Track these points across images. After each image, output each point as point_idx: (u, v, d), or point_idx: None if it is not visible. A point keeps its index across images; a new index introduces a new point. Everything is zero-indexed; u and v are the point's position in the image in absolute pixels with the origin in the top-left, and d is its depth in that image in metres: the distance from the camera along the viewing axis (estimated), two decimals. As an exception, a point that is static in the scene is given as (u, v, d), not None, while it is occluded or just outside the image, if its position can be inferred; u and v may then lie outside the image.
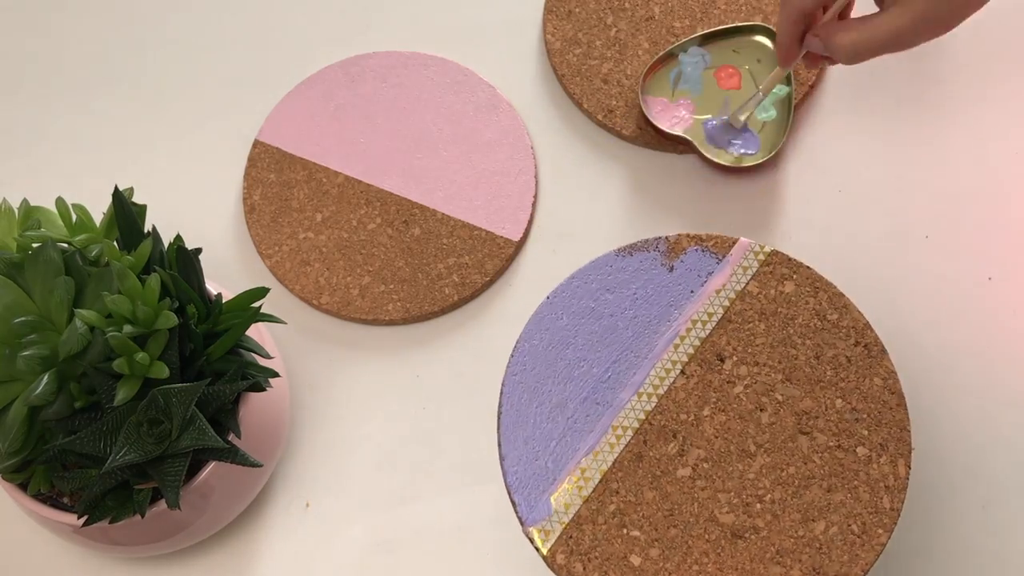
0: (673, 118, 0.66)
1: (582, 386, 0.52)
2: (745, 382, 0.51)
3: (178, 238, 0.53)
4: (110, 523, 0.51)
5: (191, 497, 0.53)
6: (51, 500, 0.53)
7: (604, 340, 0.53)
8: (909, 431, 0.50)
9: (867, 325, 0.52)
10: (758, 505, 0.48)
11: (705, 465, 0.49)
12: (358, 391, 0.63)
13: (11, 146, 0.71)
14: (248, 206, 0.67)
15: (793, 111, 0.65)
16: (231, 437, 0.53)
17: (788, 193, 0.66)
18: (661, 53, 0.67)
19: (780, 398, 0.50)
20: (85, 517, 0.51)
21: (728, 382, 0.51)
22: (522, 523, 0.49)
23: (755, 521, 0.48)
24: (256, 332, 0.58)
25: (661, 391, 0.51)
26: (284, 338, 0.64)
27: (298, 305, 0.65)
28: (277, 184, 0.67)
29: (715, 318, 0.53)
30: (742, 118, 0.65)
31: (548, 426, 0.51)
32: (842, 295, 0.52)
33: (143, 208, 0.53)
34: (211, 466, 0.53)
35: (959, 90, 0.69)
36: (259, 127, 0.70)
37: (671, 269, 0.54)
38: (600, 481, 0.49)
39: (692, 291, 0.53)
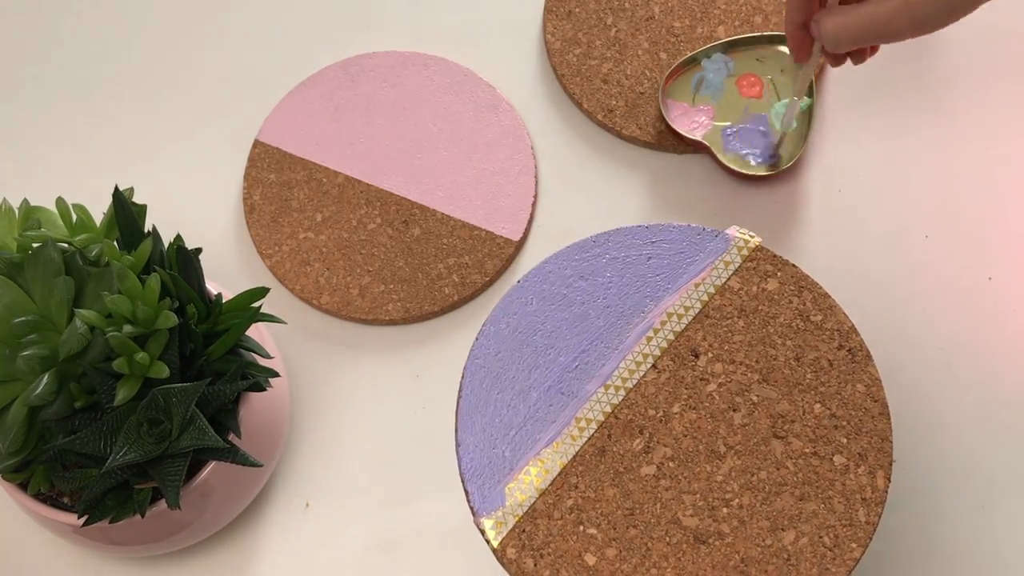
0: (692, 123, 0.66)
1: (547, 374, 0.49)
2: (720, 380, 0.48)
3: (178, 238, 0.53)
4: (110, 523, 0.51)
5: (191, 497, 0.53)
6: (51, 500, 0.53)
7: (574, 328, 0.50)
8: (891, 442, 0.47)
9: (852, 329, 0.49)
10: (725, 510, 0.46)
11: (671, 464, 0.47)
12: (358, 391, 0.63)
13: (11, 146, 0.71)
14: (248, 206, 0.67)
15: (812, 121, 0.65)
16: (231, 437, 0.53)
17: (787, 192, 0.66)
18: (685, 57, 0.67)
19: (755, 399, 0.48)
20: (85, 517, 0.51)
21: (701, 379, 0.48)
22: (474, 513, 0.46)
23: (720, 526, 0.45)
24: (256, 332, 0.58)
25: (630, 384, 0.49)
26: (284, 338, 0.64)
27: (298, 305, 0.65)
28: (277, 184, 0.67)
29: (692, 312, 0.50)
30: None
31: (508, 414, 0.48)
32: (828, 296, 0.50)
33: (143, 208, 0.53)
34: (211, 466, 0.53)
35: (959, 90, 0.69)
36: (259, 127, 0.70)
37: (649, 258, 0.51)
38: (559, 474, 0.47)
39: (670, 283, 0.51)
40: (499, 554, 0.45)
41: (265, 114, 0.70)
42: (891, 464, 0.47)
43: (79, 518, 0.51)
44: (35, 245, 0.51)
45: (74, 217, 0.54)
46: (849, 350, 0.49)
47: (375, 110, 0.69)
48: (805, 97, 0.66)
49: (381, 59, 0.71)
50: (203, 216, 0.68)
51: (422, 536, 0.59)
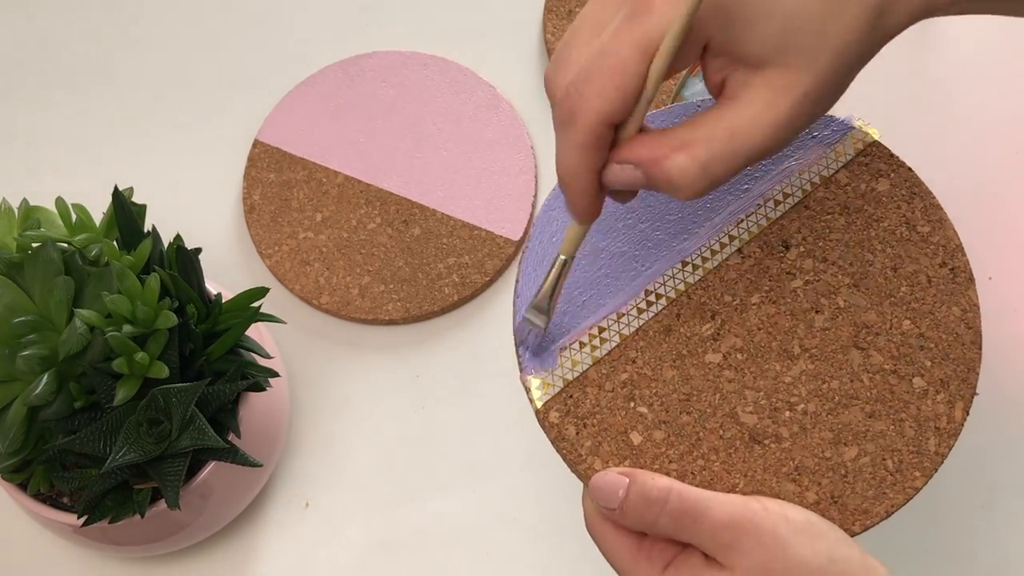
0: None
1: (622, 239, 0.46)
2: (807, 277, 0.44)
3: (178, 238, 0.53)
4: (110, 523, 0.51)
5: (191, 497, 0.53)
6: (51, 500, 0.53)
7: (660, 196, 0.46)
8: (977, 373, 0.43)
9: (959, 248, 0.45)
10: (787, 413, 0.42)
11: (739, 356, 0.43)
12: (358, 391, 0.63)
13: (11, 146, 0.71)
14: (248, 206, 0.67)
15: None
16: (231, 437, 0.53)
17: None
18: (671, 95, 0.66)
19: (842, 303, 0.44)
20: (85, 517, 0.51)
21: (788, 273, 0.44)
22: (521, 370, 0.43)
23: (780, 429, 0.42)
24: (256, 332, 0.58)
25: (710, 265, 0.45)
26: (284, 338, 0.64)
27: (298, 305, 0.65)
28: (277, 184, 0.67)
29: (791, 200, 0.46)
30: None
31: (574, 273, 0.45)
32: (940, 208, 0.46)
33: (143, 208, 0.53)
34: (211, 466, 0.53)
35: (959, 89, 0.69)
36: (259, 127, 0.70)
37: None
38: (618, 345, 0.44)
39: (773, 164, 0.46)
40: (541, 415, 0.43)
41: (265, 114, 0.70)
42: (973, 396, 0.43)
43: (79, 518, 0.51)
44: (35, 245, 0.51)
45: (74, 217, 0.53)
46: (952, 269, 0.45)
47: (375, 110, 0.69)
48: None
49: (381, 59, 0.71)
50: (203, 216, 0.68)
51: (422, 536, 0.59)
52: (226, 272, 0.66)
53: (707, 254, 0.45)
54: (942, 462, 0.42)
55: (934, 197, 0.46)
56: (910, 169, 0.47)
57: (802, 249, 0.45)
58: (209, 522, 0.56)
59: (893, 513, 0.42)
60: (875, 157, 0.47)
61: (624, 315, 0.44)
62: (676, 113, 0.49)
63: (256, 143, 0.69)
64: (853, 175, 0.46)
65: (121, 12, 0.75)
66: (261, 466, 0.51)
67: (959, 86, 0.69)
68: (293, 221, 0.66)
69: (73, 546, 0.60)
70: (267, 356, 0.55)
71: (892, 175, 0.46)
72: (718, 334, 0.44)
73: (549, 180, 0.68)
